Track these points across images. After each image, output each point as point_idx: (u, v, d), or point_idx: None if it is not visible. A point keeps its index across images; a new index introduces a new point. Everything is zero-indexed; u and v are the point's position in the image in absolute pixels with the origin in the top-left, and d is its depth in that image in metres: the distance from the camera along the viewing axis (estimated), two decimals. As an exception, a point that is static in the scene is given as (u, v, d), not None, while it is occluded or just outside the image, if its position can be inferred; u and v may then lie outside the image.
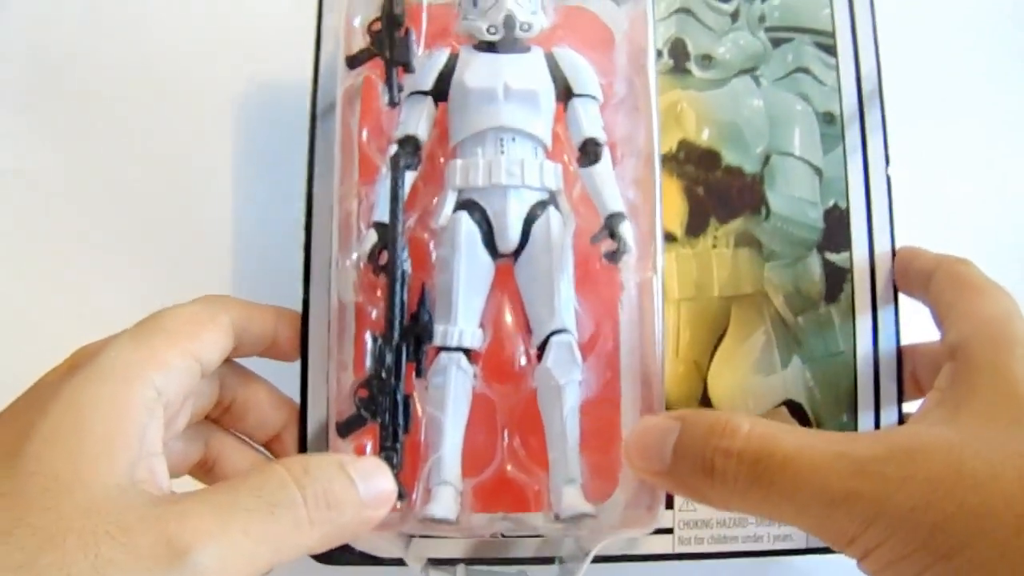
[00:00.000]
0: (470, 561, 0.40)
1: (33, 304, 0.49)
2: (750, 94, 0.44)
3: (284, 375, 0.40)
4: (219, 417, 0.39)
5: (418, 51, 0.39)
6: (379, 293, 0.37)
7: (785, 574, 0.45)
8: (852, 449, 0.30)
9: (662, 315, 0.39)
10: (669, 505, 0.41)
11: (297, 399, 0.40)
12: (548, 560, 0.40)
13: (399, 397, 0.36)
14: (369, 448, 0.37)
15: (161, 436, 0.32)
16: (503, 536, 0.38)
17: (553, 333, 0.37)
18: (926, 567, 0.28)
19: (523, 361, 0.39)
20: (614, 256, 0.37)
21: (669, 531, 0.41)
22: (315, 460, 0.31)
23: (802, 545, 0.42)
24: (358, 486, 0.31)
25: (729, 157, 0.44)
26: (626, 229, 0.37)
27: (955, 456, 0.29)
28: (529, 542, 0.40)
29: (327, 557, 0.41)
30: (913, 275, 0.41)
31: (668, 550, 0.41)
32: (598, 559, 0.41)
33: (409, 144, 0.38)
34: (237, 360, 0.40)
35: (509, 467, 0.39)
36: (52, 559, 0.26)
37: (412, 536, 0.39)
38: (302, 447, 0.40)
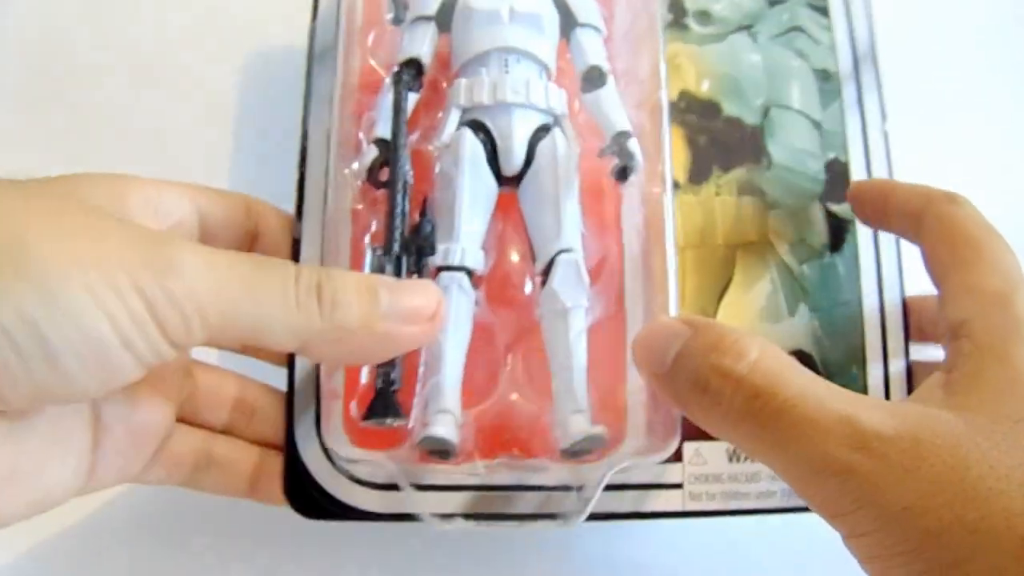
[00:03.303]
0: (469, 516, 0.37)
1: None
2: (748, 50, 0.44)
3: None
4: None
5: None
6: (378, 206, 0.36)
7: (800, 531, 0.42)
8: (859, 416, 0.27)
9: (674, 234, 0.37)
10: (678, 459, 0.39)
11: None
12: (550, 516, 0.37)
13: (399, 310, 0.34)
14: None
15: None
16: (507, 465, 0.35)
17: (559, 253, 0.36)
18: (918, 574, 0.26)
19: (528, 288, 0.37)
20: (624, 172, 0.36)
21: (679, 486, 0.39)
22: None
23: (817, 501, 0.40)
24: (381, 297, 0.29)
25: (729, 108, 0.43)
26: (634, 145, 0.36)
27: (960, 457, 0.26)
28: (531, 497, 0.38)
29: (312, 510, 0.38)
30: (895, 214, 0.38)
31: (678, 507, 0.39)
32: (606, 515, 0.39)
33: (412, 66, 0.37)
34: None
35: (514, 396, 0.37)
36: None
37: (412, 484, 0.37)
38: (290, 388, 0.37)
